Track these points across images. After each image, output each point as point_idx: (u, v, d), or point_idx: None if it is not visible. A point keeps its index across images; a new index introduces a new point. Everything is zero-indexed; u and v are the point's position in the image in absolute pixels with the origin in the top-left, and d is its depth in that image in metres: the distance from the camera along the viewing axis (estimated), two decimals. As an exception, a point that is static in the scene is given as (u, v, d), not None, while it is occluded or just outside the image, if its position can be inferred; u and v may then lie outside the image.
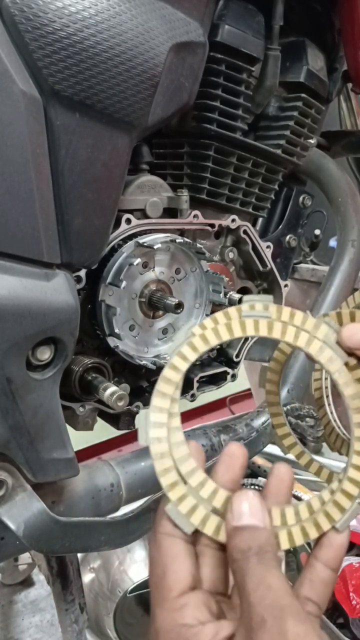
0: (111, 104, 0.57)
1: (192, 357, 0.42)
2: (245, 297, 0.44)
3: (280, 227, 0.97)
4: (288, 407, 0.89)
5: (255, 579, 0.37)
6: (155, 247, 0.67)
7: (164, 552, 0.41)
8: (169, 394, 0.42)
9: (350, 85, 0.99)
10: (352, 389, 0.43)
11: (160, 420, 0.41)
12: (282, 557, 0.40)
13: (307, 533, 0.42)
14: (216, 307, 0.81)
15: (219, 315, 0.43)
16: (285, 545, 0.42)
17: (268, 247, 0.87)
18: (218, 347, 0.82)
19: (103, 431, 0.75)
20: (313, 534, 0.42)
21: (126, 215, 0.68)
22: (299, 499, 1.41)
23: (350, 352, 0.44)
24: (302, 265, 1.37)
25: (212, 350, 0.83)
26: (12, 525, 0.57)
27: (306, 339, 0.43)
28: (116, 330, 0.67)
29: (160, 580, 0.40)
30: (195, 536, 0.42)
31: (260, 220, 0.93)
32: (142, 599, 1.18)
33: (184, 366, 0.42)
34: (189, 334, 0.42)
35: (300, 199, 0.98)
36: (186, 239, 0.72)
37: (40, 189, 0.53)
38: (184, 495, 0.41)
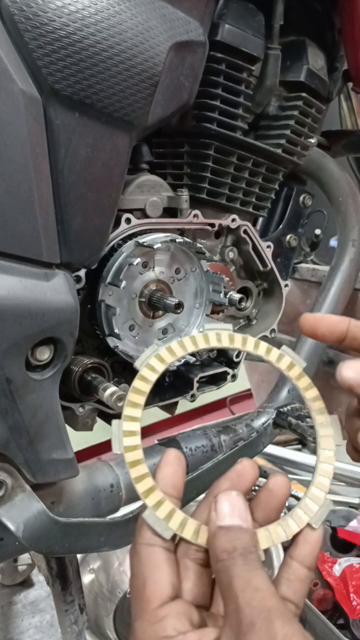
0: (111, 103, 0.56)
1: (160, 368, 0.45)
2: (207, 325, 0.50)
3: (281, 226, 0.97)
4: (288, 407, 0.89)
5: (242, 580, 0.37)
6: (155, 246, 0.67)
7: (144, 562, 0.41)
8: (139, 403, 0.44)
9: (350, 84, 0.99)
10: (313, 392, 0.49)
11: (133, 429, 0.43)
12: (262, 557, 0.41)
13: (285, 531, 0.43)
14: (216, 306, 0.81)
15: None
16: (264, 544, 0.43)
17: (268, 246, 0.87)
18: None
19: (103, 431, 0.74)
20: (290, 532, 0.43)
21: (126, 215, 0.68)
22: (298, 499, 1.41)
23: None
24: (303, 265, 1.37)
25: (210, 351, 0.82)
26: (11, 526, 0.57)
27: (265, 348, 0.49)
28: (116, 330, 0.67)
29: (140, 592, 0.40)
30: (177, 546, 0.43)
31: (260, 219, 0.93)
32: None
33: (153, 377, 0.45)
34: (155, 348, 0.46)
35: (301, 198, 0.98)
36: (186, 239, 0.72)
37: (39, 189, 0.53)
38: (160, 501, 0.42)
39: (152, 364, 0.45)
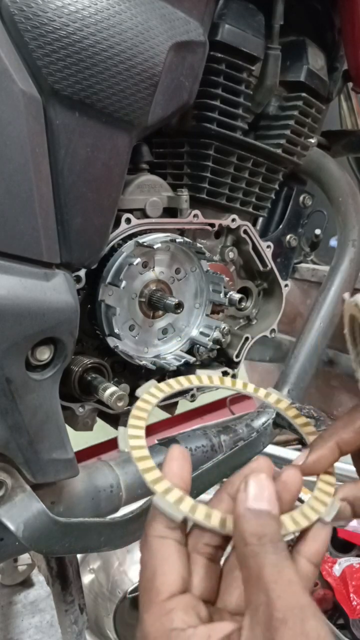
0: (111, 103, 0.56)
1: (155, 401, 0.51)
2: (198, 371, 0.57)
3: (281, 226, 0.97)
4: (288, 407, 0.89)
5: (274, 571, 0.35)
6: (155, 246, 0.67)
7: (154, 554, 0.40)
8: (143, 417, 0.48)
9: (350, 84, 0.99)
10: (302, 419, 0.55)
11: (138, 434, 0.46)
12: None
13: (295, 524, 0.43)
14: (216, 306, 0.81)
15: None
16: None
17: (268, 246, 0.86)
18: (216, 348, 0.82)
19: (103, 432, 0.74)
20: (300, 526, 0.43)
21: (126, 215, 0.68)
22: (300, 500, 1.41)
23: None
24: (303, 265, 1.37)
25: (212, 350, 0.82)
26: (11, 526, 0.57)
27: (254, 387, 0.57)
28: (116, 330, 0.67)
29: (149, 584, 0.39)
30: (187, 539, 0.42)
31: (260, 219, 0.93)
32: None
33: (150, 408, 0.50)
34: (152, 384, 0.52)
35: (301, 198, 0.98)
36: (186, 239, 0.72)
37: (39, 189, 0.53)
38: (169, 488, 0.42)
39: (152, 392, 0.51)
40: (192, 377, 0.55)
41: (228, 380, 0.57)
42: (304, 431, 0.54)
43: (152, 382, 0.52)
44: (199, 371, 0.54)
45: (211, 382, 0.56)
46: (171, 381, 0.53)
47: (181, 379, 0.54)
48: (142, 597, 0.39)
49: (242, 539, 0.38)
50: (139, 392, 0.51)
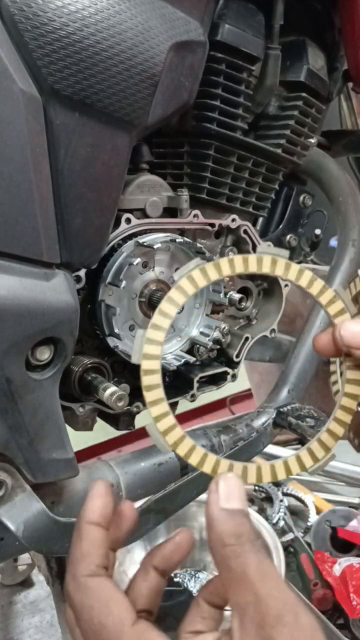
0: (111, 103, 0.56)
1: (202, 283, 0.43)
2: (260, 248, 0.46)
3: (281, 226, 0.97)
4: (288, 407, 0.89)
5: (258, 569, 0.36)
6: (155, 246, 0.67)
7: (98, 591, 0.39)
8: (170, 314, 0.43)
9: (350, 84, 0.99)
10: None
11: (156, 338, 0.42)
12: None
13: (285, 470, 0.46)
14: (216, 306, 0.81)
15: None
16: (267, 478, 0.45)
17: (268, 246, 0.86)
18: (216, 348, 0.82)
19: (103, 431, 0.74)
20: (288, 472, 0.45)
21: (126, 215, 0.68)
22: (300, 500, 1.41)
23: (348, 353, 0.45)
24: (303, 265, 1.37)
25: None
26: (11, 526, 0.57)
27: (320, 288, 0.46)
28: (116, 330, 0.67)
29: (106, 619, 0.38)
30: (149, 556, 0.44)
31: (260, 219, 0.93)
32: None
33: (191, 290, 0.43)
34: (199, 262, 0.44)
35: (301, 198, 0.98)
36: (186, 239, 0.72)
37: (39, 189, 0.53)
38: (165, 413, 0.42)
39: (194, 276, 0.43)
40: (251, 259, 0.45)
41: (294, 269, 0.46)
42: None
43: (196, 262, 0.44)
44: (261, 248, 0.45)
45: (273, 268, 0.45)
46: (223, 262, 0.44)
47: (237, 260, 0.44)
48: (100, 637, 0.39)
49: (219, 540, 0.38)
50: (176, 275, 0.44)
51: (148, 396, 0.42)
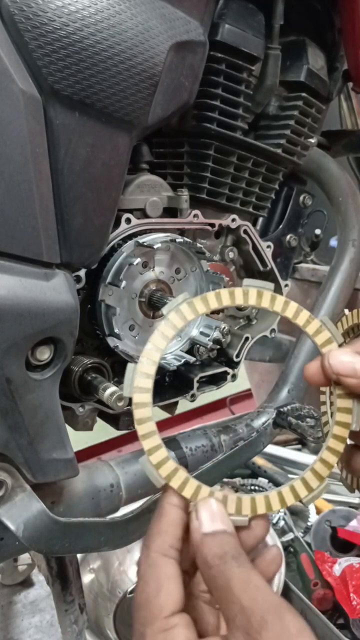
0: (111, 103, 0.56)
1: (190, 316, 0.44)
2: (246, 281, 0.46)
3: (281, 226, 0.97)
4: (288, 407, 0.89)
5: (241, 581, 0.38)
6: (155, 246, 0.67)
7: (159, 571, 0.41)
8: (161, 348, 0.44)
9: (350, 84, 0.99)
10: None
11: (148, 372, 0.43)
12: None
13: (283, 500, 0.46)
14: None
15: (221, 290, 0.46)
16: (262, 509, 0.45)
17: (268, 246, 0.86)
18: (216, 348, 0.82)
19: (103, 431, 0.74)
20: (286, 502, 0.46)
21: (126, 215, 0.68)
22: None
23: (337, 382, 0.46)
24: (303, 265, 1.37)
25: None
26: (11, 526, 0.57)
27: (306, 318, 0.47)
28: (116, 330, 0.67)
29: (152, 599, 0.40)
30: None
31: (260, 219, 0.93)
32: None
33: (180, 324, 0.44)
34: (187, 296, 0.45)
35: (301, 198, 0.98)
36: (186, 239, 0.72)
37: (39, 189, 0.53)
38: (157, 446, 0.43)
39: (182, 310, 0.45)
40: (237, 292, 0.46)
41: (280, 301, 0.47)
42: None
43: (184, 296, 0.45)
44: (247, 281, 0.47)
45: (259, 301, 0.46)
46: (210, 296, 0.45)
47: (223, 294, 0.45)
48: (142, 611, 0.41)
49: (205, 563, 0.40)
50: (165, 310, 0.45)
51: (140, 429, 0.43)
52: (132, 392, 0.43)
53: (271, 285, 0.47)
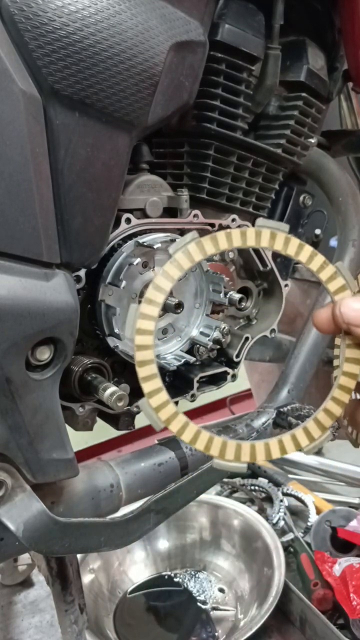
0: (111, 103, 0.56)
1: (198, 257, 0.42)
2: (259, 221, 0.44)
3: (281, 226, 0.96)
4: (288, 407, 0.89)
5: None
6: (155, 246, 0.67)
7: None
8: (165, 289, 0.42)
9: (350, 84, 0.99)
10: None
11: (150, 313, 0.41)
12: None
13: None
14: (216, 306, 0.81)
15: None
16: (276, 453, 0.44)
17: (267, 220, 0.86)
18: (216, 348, 0.82)
19: (102, 432, 0.74)
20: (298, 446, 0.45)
21: (126, 215, 0.68)
22: (300, 500, 1.41)
23: (347, 331, 0.44)
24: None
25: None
26: (11, 526, 0.57)
27: (320, 263, 0.44)
28: (116, 330, 0.67)
29: None
30: None
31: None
32: (142, 599, 1.18)
33: (187, 265, 0.42)
34: (196, 235, 0.42)
35: (301, 198, 0.98)
36: (186, 239, 0.71)
37: (39, 189, 0.53)
38: (158, 389, 0.41)
39: (190, 250, 0.42)
40: (249, 232, 0.43)
41: (295, 243, 0.44)
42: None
43: (193, 235, 0.42)
44: (260, 221, 0.44)
45: (271, 242, 0.44)
46: (220, 236, 0.42)
47: (234, 234, 0.43)
48: None
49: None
50: (171, 249, 0.42)
51: (141, 372, 0.41)
52: (133, 334, 0.41)
53: (286, 227, 0.44)
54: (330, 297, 0.45)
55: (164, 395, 0.41)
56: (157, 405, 0.41)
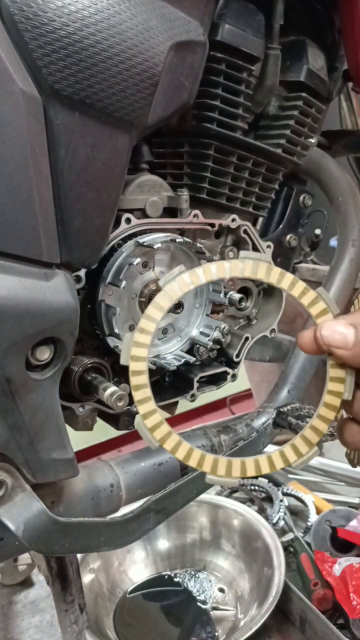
0: (111, 103, 0.56)
1: (186, 288, 0.46)
2: (242, 253, 0.48)
3: (281, 226, 0.97)
4: (288, 407, 0.89)
5: None
6: (155, 246, 0.67)
7: None
8: (156, 319, 0.45)
9: (350, 84, 0.99)
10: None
11: (143, 341, 0.45)
12: None
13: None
14: (216, 306, 0.81)
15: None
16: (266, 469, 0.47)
17: (268, 246, 0.86)
18: (216, 348, 0.82)
19: (103, 431, 0.74)
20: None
21: (126, 215, 0.68)
22: (300, 500, 1.41)
23: (329, 352, 0.46)
24: (303, 265, 1.37)
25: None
26: (11, 526, 0.57)
27: (302, 289, 0.47)
28: (116, 330, 0.67)
29: None
30: None
31: (260, 219, 0.93)
32: (142, 599, 1.18)
33: (177, 295, 0.46)
34: (182, 269, 0.46)
35: (301, 198, 0.98)
36: (186, 239, 0.72)
37: (39, 189, 0.53)
38: (152, 411, 0.45)
39: (178, 281, 0.46)
40: (233, 264, 0.46)
41: (276, 272, 0.47)
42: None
43: (180, 268, 0.46)
44: (243, 253, 0.47)
45: (254, 273, 0.47)
46: (200, 270, 0.46)
47: (219, 266, 0.46)
48: None
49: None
50: (161, 282, 0.46)
51: (136, 395, 0.45)
52: (128, 361, 0.45)
53: (267, 257, 0.48)
54: (312, 320, 0.48)
55: (158, 417, 0.45)
56: (152, 426, 0.45)
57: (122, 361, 0.45)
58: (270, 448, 1.62)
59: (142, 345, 0.45)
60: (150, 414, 0.45)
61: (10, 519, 0.57)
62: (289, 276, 0.47)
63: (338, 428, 0.50)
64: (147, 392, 0.45)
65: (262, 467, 0.47)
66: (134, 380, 0.45)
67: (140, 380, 0.45)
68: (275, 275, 0.47)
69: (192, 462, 0.46)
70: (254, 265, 0.47)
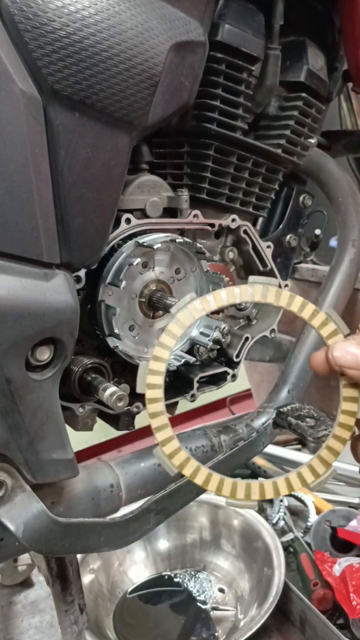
0: (111, 104, 0.56)
1: (197, 315, 0.47)
2: (251, 278, 0.49)
3: (281, 226, 0.97)
4: (288, 407, 0.89)
5: None
6: (155, 246, 0.67)
7: None
8: (170, 346, 0.47)
9: (350, 84, 0.99)
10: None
11: (158, 369, 0.47)
12: None
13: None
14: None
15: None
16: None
17: (268, 246, 0.86)
18: (216, 348, 0.82)
19: (103, 432, 0.74)
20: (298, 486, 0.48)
21: (126, 215, 0.68)
22: (300, 500, 1.41)
23: (341, 372, 0.47)
24: (303, 265, 1.37)
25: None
26: (11, 526, 0.57)
27: (311, 311, 0.48)
28: (116, 331, 0.67)
29: None
30: None
31: (260, 219, 0.93)
32: (142, 599, 1.18)
33: (188, 322, 0.47)
34: (195, 296, 0.47)
35: (301, 198, 0.98)
36: (186, 239, 0.72)
37: (39, 189, 0.53)
38: (170, 438, 0.46)
39: (190, 309, 0.47)
40: (243, 289, 0.48)
41: (285, 296, 0.49)
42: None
43: (192, 295, 0.48)
44: (252, 278, 0.49)
45: (264, 297, 0.48)
46: (211, 297, 0.47)
47: (229, 292, 0.47)
48: None
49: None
50: (173, 309, 0.47)
51: (154, 422, 0.46)
52: (144, 389, 0.46)
53: (276, 281, 0.49)
54: (324, 342, 0.49)
55: (175, 443, 0.46)
56: (170, 452, 0.46)
57: (138, 389, 0.46)
58: (270, 448, 1.62)
59: (157, 373, 0.46)
60: (168, 441, 0.46)
61: (10, 519, 0.57)
62: (299, 299, 0.48)
63: (352, 445, 0.50)
64: (164, 419, 0.46)
65: (281, 489, 0.48)
66: (150, 407, 0.46)
67: (156, 407, 0.46)
68: (284, 299, 0.48)
69: (211, 487, 0.47)
70: (264, 289, 0.48)
